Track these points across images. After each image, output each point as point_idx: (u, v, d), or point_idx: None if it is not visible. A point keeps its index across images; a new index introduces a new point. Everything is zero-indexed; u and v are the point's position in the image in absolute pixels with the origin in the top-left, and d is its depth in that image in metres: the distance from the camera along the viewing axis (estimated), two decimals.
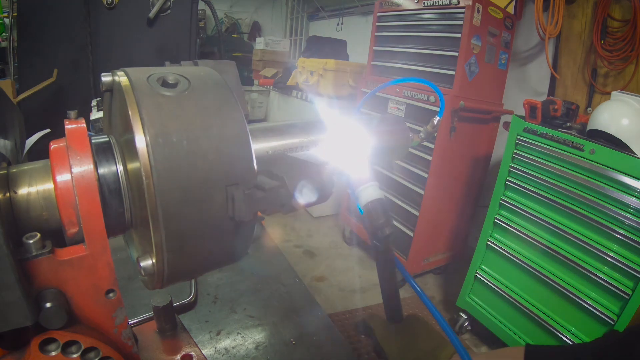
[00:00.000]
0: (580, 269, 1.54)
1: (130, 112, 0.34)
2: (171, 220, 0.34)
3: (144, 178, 0.33)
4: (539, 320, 1.68)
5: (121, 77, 0.39)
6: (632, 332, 0.55)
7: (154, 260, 0.36)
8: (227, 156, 0.37)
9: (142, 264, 0.36)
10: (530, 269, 1.73)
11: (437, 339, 0.60)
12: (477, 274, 1.98)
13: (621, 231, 1.42)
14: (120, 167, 0.39)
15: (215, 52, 4.89)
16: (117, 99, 0.40)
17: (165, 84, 0.38)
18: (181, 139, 0.35)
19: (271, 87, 4.42)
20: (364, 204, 0.52)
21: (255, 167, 0.39)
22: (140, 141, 0.33)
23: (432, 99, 2.23)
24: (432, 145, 2.25)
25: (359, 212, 0.54)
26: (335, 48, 4.04)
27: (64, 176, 0.36)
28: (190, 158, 0.35)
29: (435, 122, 0.65)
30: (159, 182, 0.33)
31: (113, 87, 0.41)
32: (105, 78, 0.40)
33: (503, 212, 1.88)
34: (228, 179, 0.37)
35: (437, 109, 2.18)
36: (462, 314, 2.14)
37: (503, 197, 1.86)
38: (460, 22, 2.13)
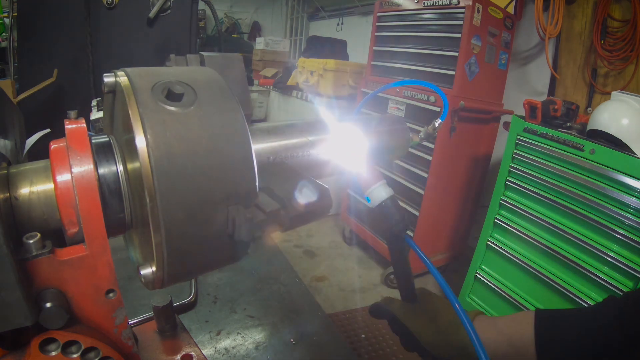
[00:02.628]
0: (580, 269, 1.54)
1: (135, 132, 0.34)
2: (173, 239, 0.35)
3: (148, 200, 0.33)
4: None
5: (123, 79, 0.38)
6: None
7: (154, 269, 0.37)
8: (230, 177, 0.37)
9: (142, 272, 0.37)
10: (530, 269, 1.73)
11: (455, 318, 0.61)
12: (477, 274, 1.98)
13: (621, 231, 1.42)
14: (121, 167, 0.39)
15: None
16: (119, 104, 0.40)
17: (170, 95, 0.37)
18: (186, 161, 0.35)
19: (271, 87, 4.42)
20: (377, 204, 0.54)
21: (258, 186, 0.39)
22: (145, 164, 0.33)
23: (432, 99, 2.22)
24: (432, 145, 2.25)
25: (368, 204, 0.56)
26: (335, 48, 4.04)
27: (64, 176, 0.36)
28: (194, 180, 0.35)
29: (437, 125, 0.65)
30: (163, 204, 0.33)
31: (116, 89, 0.40)
32: (108, 79, 0.39)
33: (503, 212, 1.88)
34: (230, 199, 0.37)
35: (437, 109, 2.18)
36: None
37: (503, 197, 1.86)
38: (460, 22, 2.12)
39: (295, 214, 0.40)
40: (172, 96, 0.37)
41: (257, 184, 0.39)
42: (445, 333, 0.60)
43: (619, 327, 0.50)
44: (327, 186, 0.44)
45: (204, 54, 0.49)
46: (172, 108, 0.36)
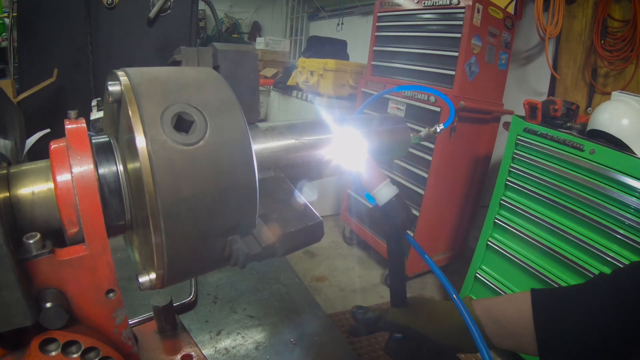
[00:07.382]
0: (580, 269, 1.54)
1: (143, 171, 0.34)
2: (175, 263, 0.36)
3: (153, 238, 0.34)
4: None
5: (129, 94, 0.36)
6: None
7: (152, 277, 0.37)
8: (233, 214, 0.38)
9: (140, 280, 0.37)
10: (530, 269, 1.73)
11: (450, 306, 0.65)
12: (477, 274, 1.98)
13: (621, 231, 1.42)
14: (121, 167, 0.39)
15: None
16: (125, 119, 0.38)
17: (179, 124, 0.36)
18: (191, 203, 0.35)
19: (271, 87, 4.41)
20: (383, 204, 0.55)
21: (257, 217, 0.40)
22: (153, 206, 0.34)
23: (432, 99, 2.22)
24: (432, 145, 2.25)
25: (371, 204, 0.57)
26: (335, 48, 4.03)
27: (64, 176, 0.36)
28: (198, 218, 0.36)
29: (439, 130, 0.65)
30: (168, 239, 0.34)
31: (121, 99, 0.38)
32: (113, 87, 0.37)
33: (503, 212, 1.88)
34: (230, 232, 0.39)
35: (438, 109, 2.18)
36: None
37: (503, 197, 1.86)
38: (461, 22, 2.12)
39: (288, 247, 0.42)
40: (182, 125, 0.36)
41: (257, 217, 0.40)
42: (445, 319, 0.63)
43: (616, 312, 0.52)
44: (321, 218, 0.45)
45: (218, 46, 0.47)
46: (182, 147, 0.35)
